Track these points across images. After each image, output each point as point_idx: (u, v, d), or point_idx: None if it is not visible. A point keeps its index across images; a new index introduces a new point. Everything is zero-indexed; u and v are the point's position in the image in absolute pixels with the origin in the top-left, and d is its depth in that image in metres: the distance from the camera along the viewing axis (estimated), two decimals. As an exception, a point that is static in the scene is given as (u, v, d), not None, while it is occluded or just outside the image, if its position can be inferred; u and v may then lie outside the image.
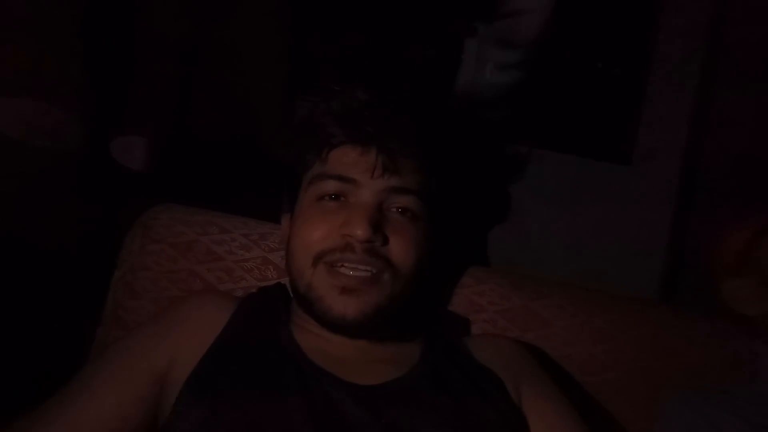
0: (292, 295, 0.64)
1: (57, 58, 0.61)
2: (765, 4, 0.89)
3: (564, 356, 0.71)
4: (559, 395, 0.59)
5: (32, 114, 0.61)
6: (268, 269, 0.73)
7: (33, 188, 0.68)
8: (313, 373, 0.53)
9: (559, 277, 0.80)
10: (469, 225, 0.82)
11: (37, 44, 0.60)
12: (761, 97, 0.89)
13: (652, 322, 0.74)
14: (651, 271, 0.90)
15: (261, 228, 0.75)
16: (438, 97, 0.88)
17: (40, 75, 0.61)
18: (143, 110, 0.80)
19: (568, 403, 0.58)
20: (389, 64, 0.90)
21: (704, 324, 0.73)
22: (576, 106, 0.92)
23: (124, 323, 0.69)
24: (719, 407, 0.61)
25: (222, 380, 0.51)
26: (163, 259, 0.71)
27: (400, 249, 0.57)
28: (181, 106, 0.86)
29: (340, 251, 0.55)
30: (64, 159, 0.70)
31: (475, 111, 0.89)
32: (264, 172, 0.81)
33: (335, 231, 0.56)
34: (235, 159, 0.88)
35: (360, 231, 0.54)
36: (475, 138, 0.86)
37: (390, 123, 0.59)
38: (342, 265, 0.56)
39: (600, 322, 0.73)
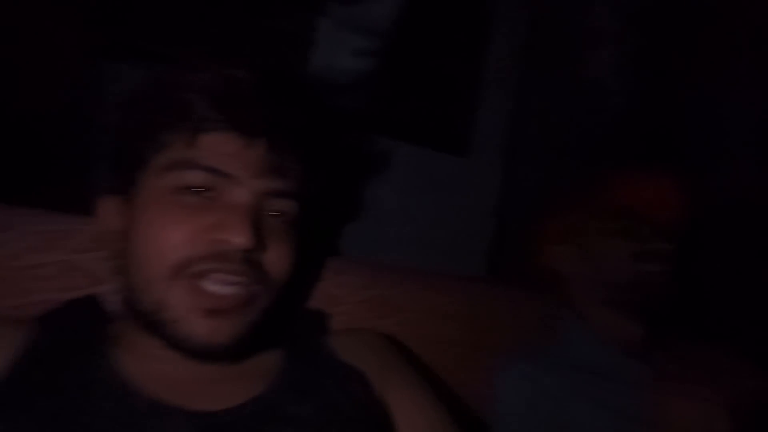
0: (121, 309, 0.51)
1: None
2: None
3: (419, 337, 0.74)
4: (418, 381, 0.60)
5: None
6: (77, 276, 0.56)
7: None
8: (144, 406, 0.43)
9: (408, 263, 0.83)
10: (326, 217, 0.78)
11: None
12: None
13: (484, 298, 0.83)
14: (479, 251, 1.01)
15: (62, 223, 0.57)
16: (314, 85, 0.80)
17: None
18: None
19: (425, 388, 0.59)
20: (234, 31, 0.78)
21: (523, 295, 0.86)
22: (420, 98, 0.95)
23: None
24: (537, 366, 0.72)
25: None
26: None
27: (278, 259, 0.50)
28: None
29: (212, 260, 0.45)
30: None
31: (331, 98, 0.85)
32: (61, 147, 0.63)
33: (203, 234, 0.46)
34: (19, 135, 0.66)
35: (241, 238, 0.45)
36: (338, 129, 0.82)
37: (282, 114, 0.51)
38: (209, 277, 0.46)
39: (445, 302, 0.78)
